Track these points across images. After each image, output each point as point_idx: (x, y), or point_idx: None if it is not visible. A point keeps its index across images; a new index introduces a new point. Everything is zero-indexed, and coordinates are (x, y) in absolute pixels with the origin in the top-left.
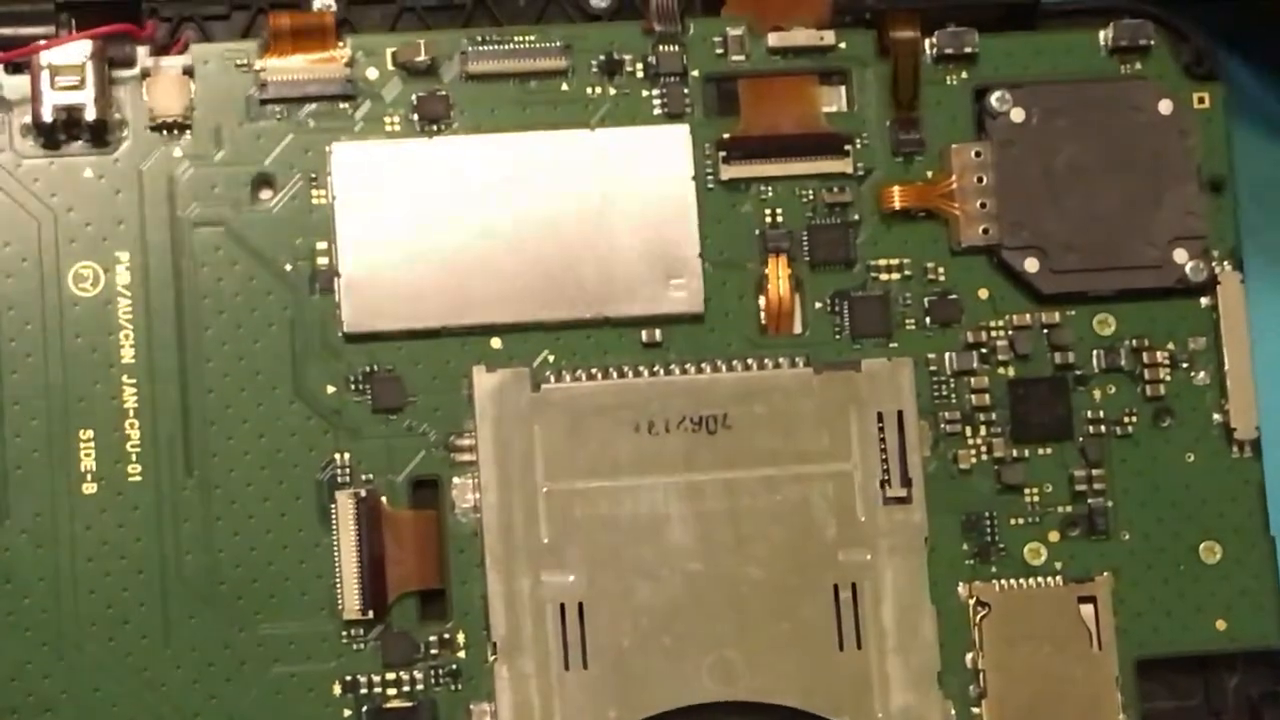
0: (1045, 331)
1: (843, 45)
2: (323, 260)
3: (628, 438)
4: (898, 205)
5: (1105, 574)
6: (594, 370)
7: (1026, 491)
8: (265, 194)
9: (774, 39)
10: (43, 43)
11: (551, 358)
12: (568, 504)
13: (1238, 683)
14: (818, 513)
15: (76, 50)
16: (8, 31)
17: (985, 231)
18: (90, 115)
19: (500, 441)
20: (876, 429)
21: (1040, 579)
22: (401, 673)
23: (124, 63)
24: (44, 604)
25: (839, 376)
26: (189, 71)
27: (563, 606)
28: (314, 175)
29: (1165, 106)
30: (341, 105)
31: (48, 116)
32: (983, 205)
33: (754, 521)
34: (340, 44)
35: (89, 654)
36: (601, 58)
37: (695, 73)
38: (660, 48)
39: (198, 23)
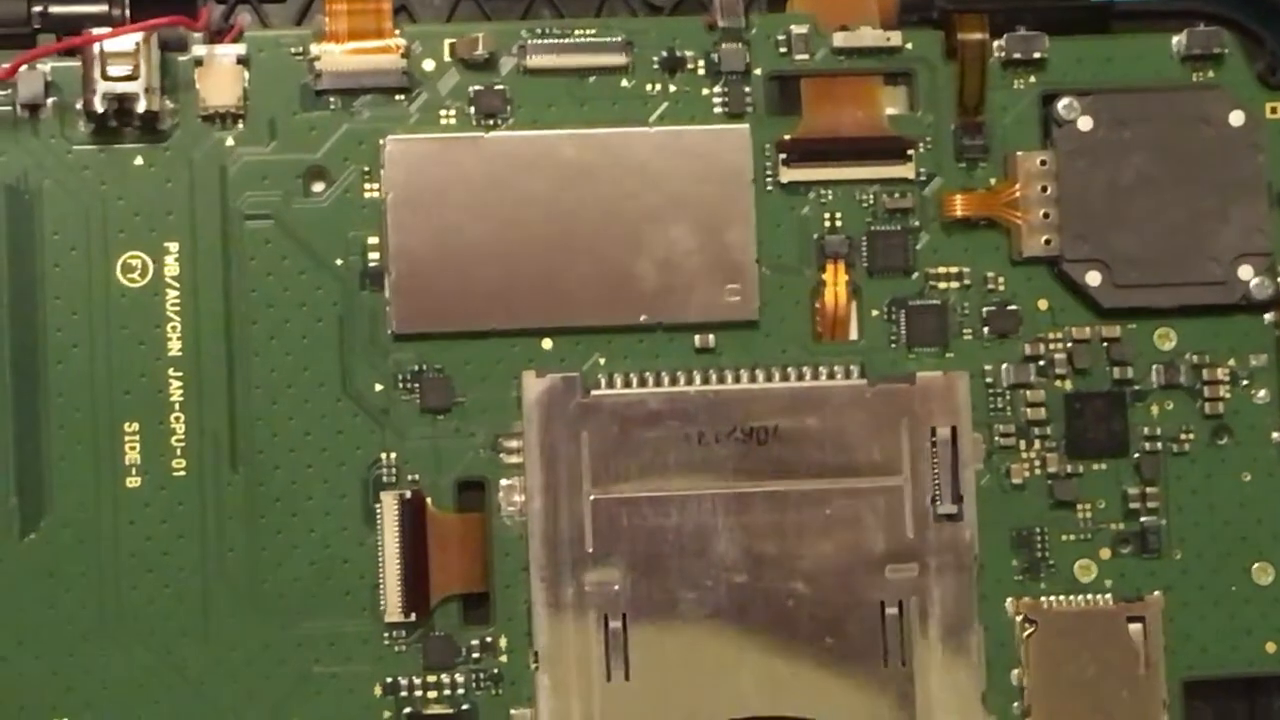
0: (1105, 345)
1: (909, 46)
2: (374, 255)
3: (677, 447)
4: (960, 213)
5: (1156, 593)
6: (646, 374)
7: (1079, 507)
8: (317, 186)
9: (839, 39)
10: (96, 32)
11: (603, 360)
12: (614, 512)
13: None
14: (866, 528)
15: (130, 38)
16: (61, 10)
17: (1047, 242)
18: (142, 106)
19: (548, 448)
20: (929, 444)
21: (1090, 596)
22: (442, 676)
23: (177, 47)
24: (85, 599)
25: (893, 389)
26: (243, 60)
27: (606, 617)
28: (367, 169)
29: (1237, 118)
30: (397, 97)
31: (99, 106)
32: (1046, 215)
33: (801, 535)
34: (396, 33)
35: (129, 650)
36: (663, 54)
37: (758, 71)
38: (723, 45)
39: (253, 6)
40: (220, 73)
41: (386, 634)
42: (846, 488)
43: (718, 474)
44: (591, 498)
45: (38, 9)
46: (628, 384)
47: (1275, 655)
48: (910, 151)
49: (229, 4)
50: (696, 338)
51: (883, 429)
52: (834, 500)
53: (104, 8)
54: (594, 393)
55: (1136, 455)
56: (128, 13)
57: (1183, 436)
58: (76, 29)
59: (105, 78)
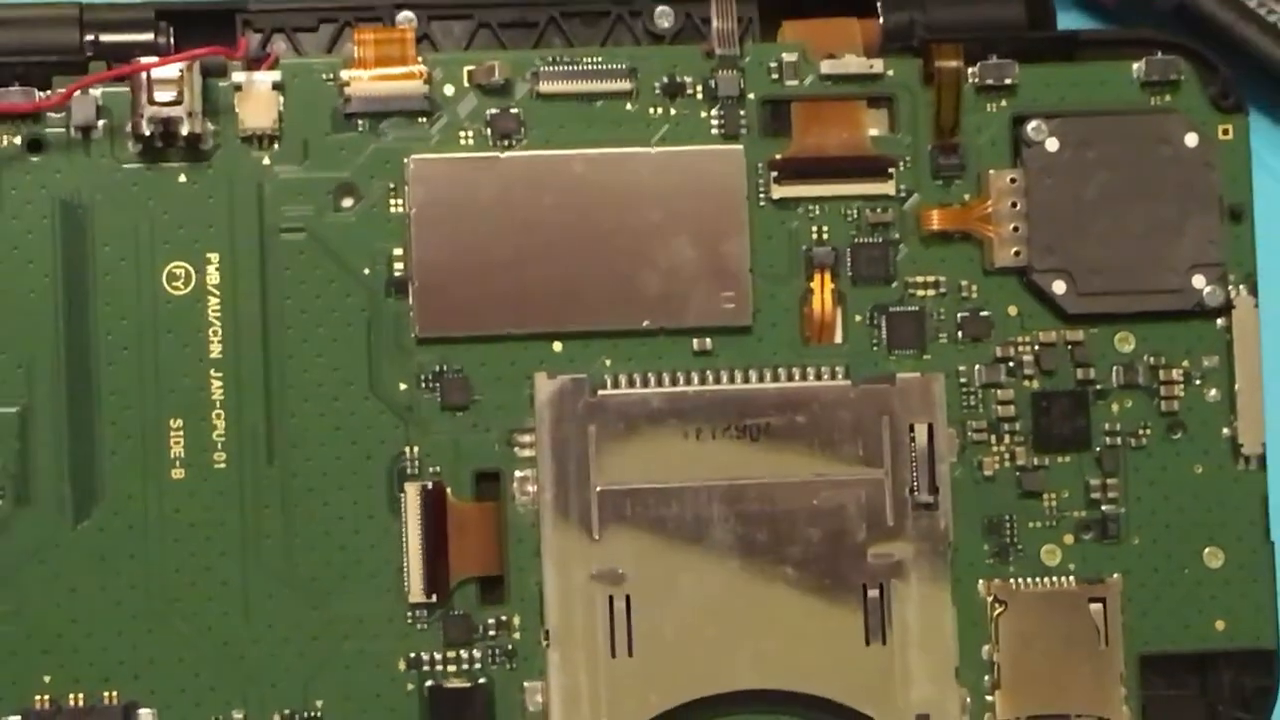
0: (1069, 348)
1: (890, 73)
2: (398, 265)
3: (677, 443)
4: (936, 227)
5: (1115, 576)
6: (648, 375)
7: (1045, 497)
8: (347, 202)
9: (827, 66)
10: (144, 61)
11: (609, 361)
12: (619, 503)
13: (1233, 677)
14: (850, 516)
15: (174, 66)
16: (110, 38)
17: (1017, 254)
18: (186, 129)
19: (558, 443)
20: (908, 439)
21: (1055, 578)
22: (461, 651)
23: (218, 73)
24: (133, 580)
25: (875, 390)
26: (278, 86)
27: (611, 598)
28: (392, 185)
29: (1192, 139)
30: (419, 119)
31: (146, 129)
32: (1016, 229)
33: (791, 523)
34: (419, 60)
35: (174, 627)
36: (664, 80)
37: (751, 95)
38: (719, 72)
39: (288, 34)
40: (257, 98)
41: (409, 613)
42: (832, 480)
43: (714, 467)
44: (598, 489)
45: (89, 38)
46: (632, 384)
47: (1224, 632)
48: (891, 170)
49: (265, 33)
50: (695, 341)
51: (865, 426)
52: (821, 491)
53: (149, 36)
54: (601, 393)
55: (1098, 449)
56: (172, 41)
57: (1140, 432)
58: (125, 56)
59: (152, 103)
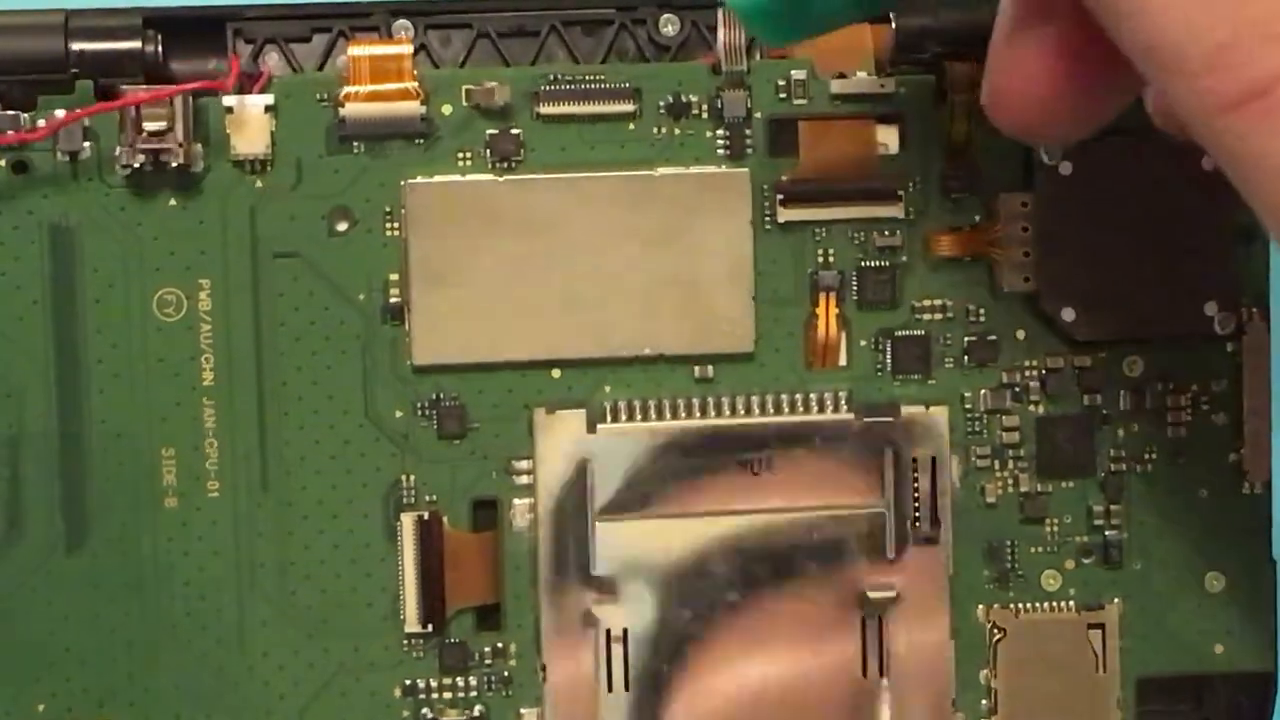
0: (1077, 373)
1: (902, 90)
2: (394, 290)
3: (677, 478)
4: (945, 253)
5: (1116, 600)
6: (649, 401)
7: (1047, 522)
8: (341, 225)
9: (836, 85)
10: (132, 94)
11: (609, 388)
12: (618, 538)
13: (1229, 699)
14: (849, 549)
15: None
16: (96, 47)
17: (1026, 279)
18: (176, 161)
19: (557, 479)
20: (911, 473)
21: (1054, 602)
22: (457, 679)
23: (209, 93)
24: (127, 608)
25: (879, 424)
26: (271, 109)
27: (609, 632)
28: (388, 209)
29: (1207, 163)
30: (416, 141)
31: (136, 162)
32: (1026, 254)
33: (789, 556)
34: (415, 77)
35: (169, 654)
36: (669, 99)
37: (758, 114)
38: (725, 92)
39: (280, 44)
40: (249, 122)
41: (405, 641)
42: (833, 514)
43: (714, 501)
44: (597, 524)
45: (75, 47)
46: (632, 412)
47: (1223, 656)
48: (900, 192)
49: (257, 43)
50: (696, 368)
51: (868, 459)
52: (821, 525)
53: (137, 44)
54: (600, 427)
55: (1102, 474)
56: (160, 50)
57: (1146, 456)
58: (112, 67)
59: (140, 133)
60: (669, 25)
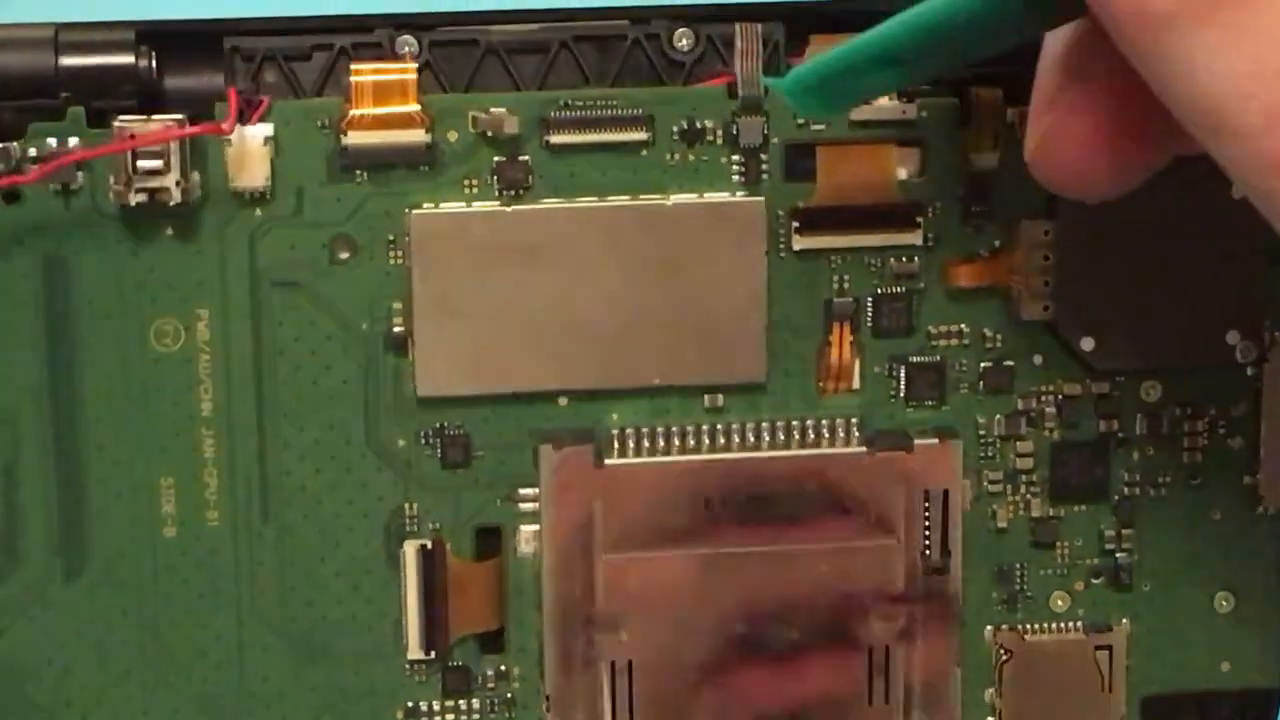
0: (1094, 400)
1: (924, 114)
2: (398, 319)
3: (685, 514)
4: (964, 284)
5: (1124, 621)
6: (657, 430)
7: (1058, 545)
8: (344, 255)
9: (857, 112)
10: (126, 137)
11: (616, 415)
12: (624, 572)
13: (1231, 714)
14: (858, 581)
15: (160, 126)
16: (87, 61)
17: (1046, 308)
18: (174, 199)
19: (563, 514)
20: (923, 506)
21: (1062, 623)
22: (460, 701)
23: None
24: (126, 636)
25: (891, 458)
26: (270, 139)
27: (613, 664)
28: (392, 238)
29: (1236, 190)
30: (421, 168)
31: (132, 200)
32: (1046, 283)
33: (798, 590)
34: (421, 100)
35: (169, 679)
36: (683, 124)
37: (775, 139)
38: (741, 118)
39: (279, 62)
40: (248, 155)
41: (407, 666)
42: (842, 548)
43: (723, 537)
44: (603, 560)
45: (65, 62)
46: (640, 441)
47: (1229, 673)
48: (919, 219)
49: (255, 62)
50: (706, 397)
51: (880, 493)
52: (830, 558)
53: (130, 59)
54: (608, 462)
55: (1115, 498)
56: (154, 64)
57: (1160, 480)
58: (104, 83)
59: (136, 172)
60: (684, 40)
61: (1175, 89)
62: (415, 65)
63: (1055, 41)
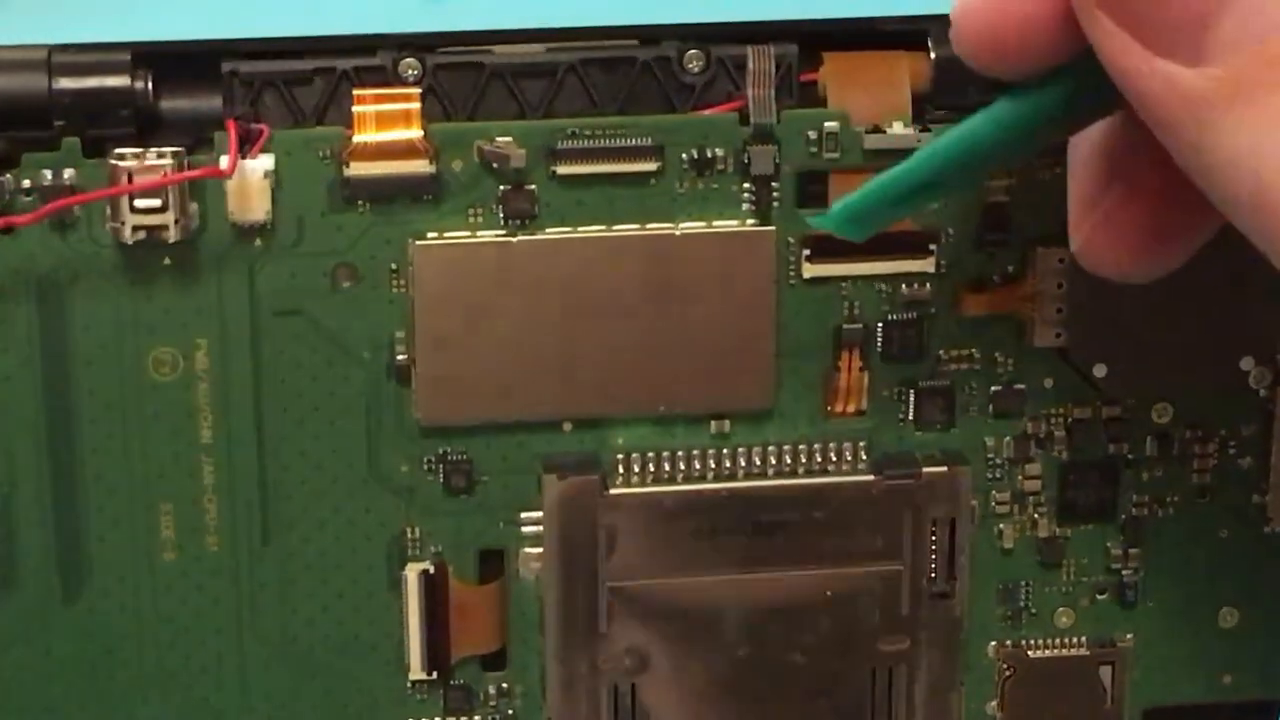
0: (1104, 423)
1: None
2: (400, 347)
3: (690, 540)
4: (976, 312)
5: (1129, 637)
6: (663, 456)
7: (1065, 564)
8: (346, 283)
9: (870, 141)
10: (127, 180)
11: (621, 440)
12: (629, 598)
13: None
14: (864, 607)
15: (158, 162)
16: (82, 84)
17: (1058, 335)
18: (173, 238)
19: (567, 542)
20: (930, 533)
21: (1066, 638)
22: (462, 719)
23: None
24: (126, 656)
25: (899, 486)
26: (270, 173)
27: (616, 687)
28: (394, 266)
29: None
30: (425, 197)
31: (129, 239)
32: (1059, 310)
33: (803, 614)
34: (424, 127)
35: (170, 700)
36: (693, 153)
37: (787, 168)
38: (752, 147)
39: (279, 86)
40: (249, 187)
41: (409, 685)
42: (848, 573)
43: (728, 563)
44: (608, 586)
45: (60, 84)
46: (645, 469)
47: (1230, 686)
48: (932, 246)
49: (254, 88)
50: (713, 423)
51: (886, 520)
52: (836, 583)
53: (125, 80)
54: (612, 491)
55: (1123, 518)
56: (150, 87)
57: (1169, 500)
58: (99, 106)
59: (134, 211)
60: (694, 62)
61: (1214, 171)
62: (418, 91)
63: (1083, 139)
